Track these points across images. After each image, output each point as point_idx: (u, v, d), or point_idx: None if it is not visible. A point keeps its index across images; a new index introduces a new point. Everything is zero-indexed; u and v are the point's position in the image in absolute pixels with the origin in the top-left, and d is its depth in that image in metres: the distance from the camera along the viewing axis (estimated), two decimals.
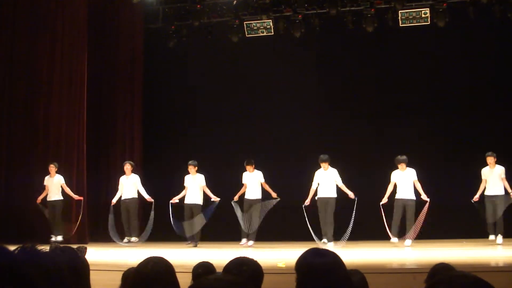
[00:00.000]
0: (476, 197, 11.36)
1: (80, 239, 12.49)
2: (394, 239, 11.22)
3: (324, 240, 11.49)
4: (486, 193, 11.38)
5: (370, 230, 12.09)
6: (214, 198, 12.37)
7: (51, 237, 12.08)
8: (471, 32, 13.21)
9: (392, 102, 13.61)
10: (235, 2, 13.90)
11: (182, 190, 12.51)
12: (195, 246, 12.11)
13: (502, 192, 11.27)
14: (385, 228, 11.33)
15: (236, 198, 12.23)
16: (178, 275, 2.73)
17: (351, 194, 11.60)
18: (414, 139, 12.98)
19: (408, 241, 11.18)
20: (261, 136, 14.04)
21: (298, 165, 13.09)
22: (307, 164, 12.31)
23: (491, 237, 11.14)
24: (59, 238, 12.09)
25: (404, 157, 11.53)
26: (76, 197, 12.59)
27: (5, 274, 1.40)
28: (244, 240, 12.11)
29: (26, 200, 12.59)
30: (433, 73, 13.57)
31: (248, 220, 12.12)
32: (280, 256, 9.51)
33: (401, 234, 11.31)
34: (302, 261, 2.43)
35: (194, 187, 12.47)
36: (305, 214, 11.50)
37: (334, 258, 2.41)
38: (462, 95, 13.34)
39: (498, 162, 11.40)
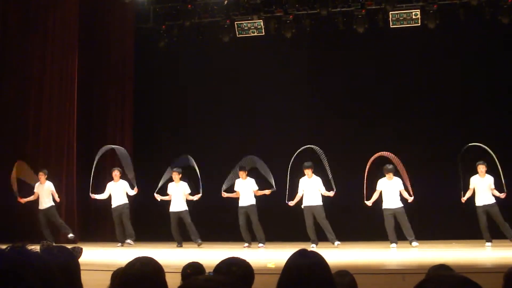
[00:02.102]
0: (464, 198, 11.24)
1: (69, 239, 12.40)
2: (393, 245, 11.15)
3: (313, 245, 11.35)
4: (477, 203, 11.18)
5: (360, 231, 12.12)
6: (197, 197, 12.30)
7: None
8: (461, 34, 13.26)
9: (383, 103, 13.62)
10: (226, 2, 13.90)
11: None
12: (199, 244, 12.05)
13: (494, 201, 11.08)
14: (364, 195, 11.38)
15: (224, 194, 12.14)
16: (167, 276, 2.73)
17: (331, 192, 11.54)
18: (403, 139, 13.01)
19: (415, 242, 11.06)
20: (252, 135, 14.01)
21: (288, 165, 13.06)
22: (298, 164, 12.29)
23: (488, 244, 10.89)
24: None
25: (391, 166, 11.41)
26: (57, 199, 12.45)
27: None
28: (246, 244, 11.83)
29: (16, 201, 12.47)
30: (423, 74, 13.60)
31: (248, 226, 11.96)
32: (270, 256, 9.52)
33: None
34: (288, 261, 2.44)
35: (178, 195, 12.36)
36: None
37: (317, 260, 2.42)
38: (452, 96, 13.38)
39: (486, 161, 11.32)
